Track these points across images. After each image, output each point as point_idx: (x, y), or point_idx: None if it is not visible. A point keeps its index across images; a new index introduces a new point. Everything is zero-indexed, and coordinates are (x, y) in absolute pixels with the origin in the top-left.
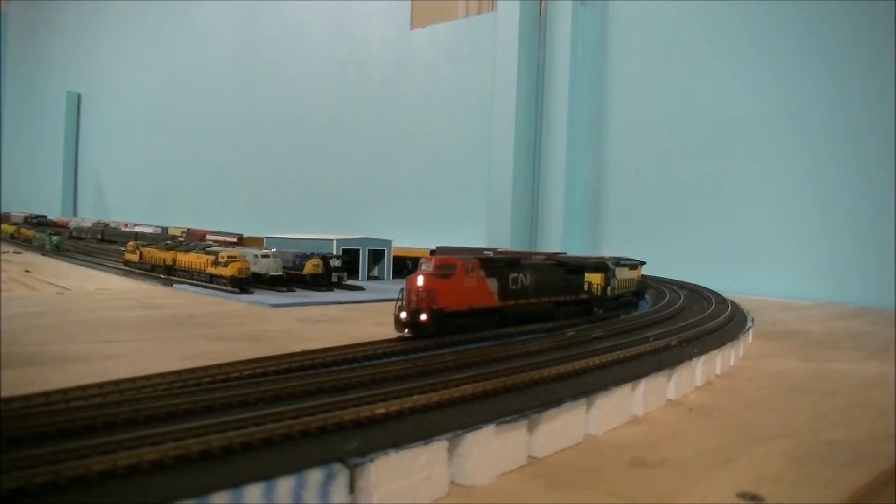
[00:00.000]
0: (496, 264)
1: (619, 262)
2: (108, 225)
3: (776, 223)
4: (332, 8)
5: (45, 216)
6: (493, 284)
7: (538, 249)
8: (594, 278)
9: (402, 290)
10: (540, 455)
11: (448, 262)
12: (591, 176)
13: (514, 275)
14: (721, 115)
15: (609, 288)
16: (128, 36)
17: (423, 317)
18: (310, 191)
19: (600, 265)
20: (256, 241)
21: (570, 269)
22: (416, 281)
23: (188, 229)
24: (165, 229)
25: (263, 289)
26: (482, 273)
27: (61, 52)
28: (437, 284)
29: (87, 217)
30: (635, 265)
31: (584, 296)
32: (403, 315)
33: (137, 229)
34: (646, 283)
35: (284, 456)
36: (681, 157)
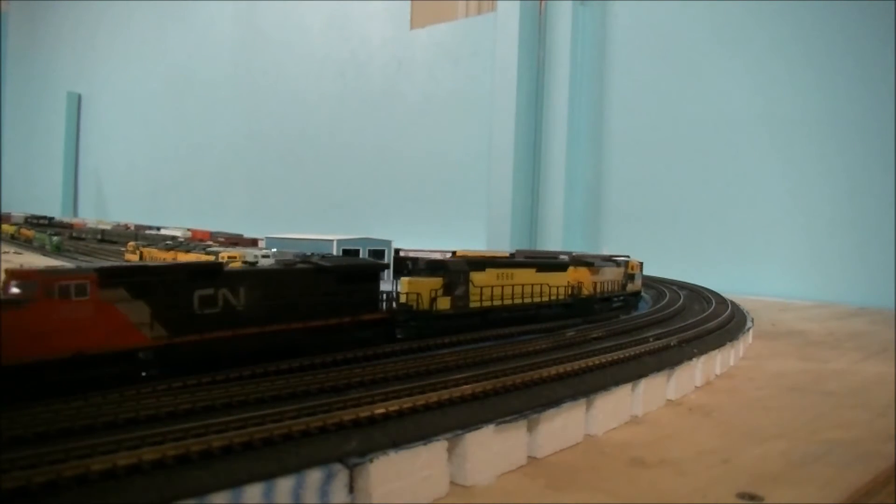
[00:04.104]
0: (151, 277)
1: (495, 260)
2: (128, 227)
3: (776, 223)
4: (332, 8)
5: (53, 217)
6: (138, 311)
7: (544, 249)
8: (416, 286)
9: None
10: (540, 455)
11: (25, 276)
12: (591, 176)
13: (207, 292)
14: (721, 115)
15: (450, 300)
16: (128, 36)
17: None
18: (310, 191)
19: (435, 266)
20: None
21: (346, 275)
22: None
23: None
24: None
25: None
26: (112, 294)
27: (61, 52)
28: None
29: (89, 217)
30: (561, 265)
31: (379, 315)
32: None
33: (164, 231)
34: (599, 293)
35: (284, 456)
36: (681, 157)
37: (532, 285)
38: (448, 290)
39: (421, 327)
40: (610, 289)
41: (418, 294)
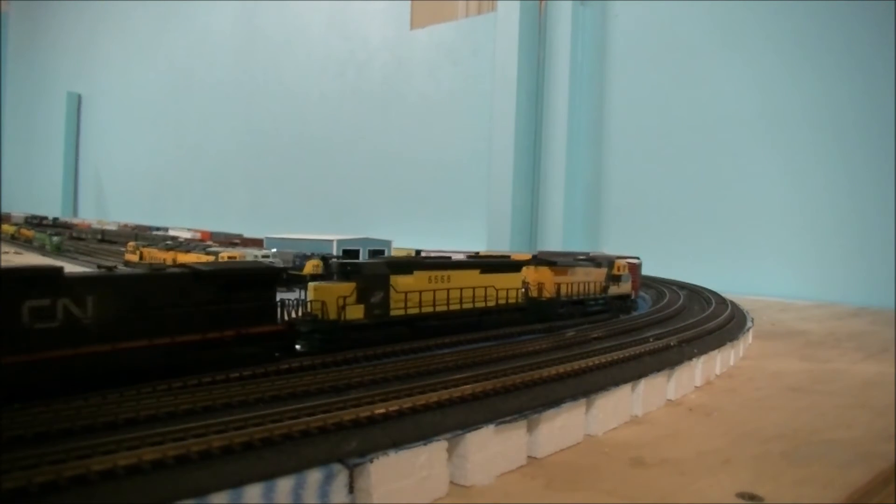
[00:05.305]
0: None
1: (426, 261)
2: (130, 228)
3: (776, 223)
4: (332, 8)
5: (57, 217)
6: None
7: (542, 249)
8: (321, 293)
9: None
10: (540, 455)
11: None
12: (591, 176)
13: (41, 303)
14: (721, 114)
15: (364, 307)
16: (128, 36)
17: None
18: (310, 191)
19: (346, 269)
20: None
21: (231, 282)
22: None
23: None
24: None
25: None
26: None
27: (61, 52)
28: None
29: (89, 217)
30: (514, 265)
31: (273, 327)
32: None
33: (172, 233)
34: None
35: (284, 456)
36: (681, 157)
37: (474, 289)
38: (362, 296)
39: (326, 340)
40: (584, 291)
41: (323, 302)
